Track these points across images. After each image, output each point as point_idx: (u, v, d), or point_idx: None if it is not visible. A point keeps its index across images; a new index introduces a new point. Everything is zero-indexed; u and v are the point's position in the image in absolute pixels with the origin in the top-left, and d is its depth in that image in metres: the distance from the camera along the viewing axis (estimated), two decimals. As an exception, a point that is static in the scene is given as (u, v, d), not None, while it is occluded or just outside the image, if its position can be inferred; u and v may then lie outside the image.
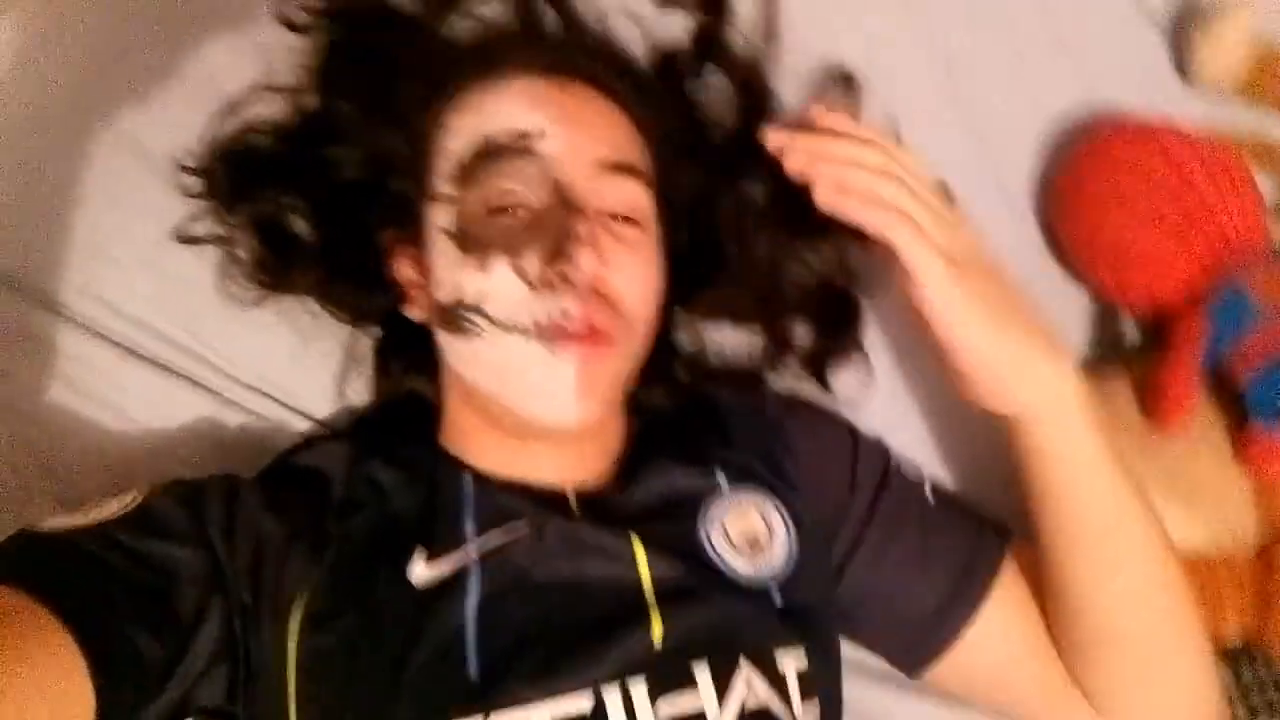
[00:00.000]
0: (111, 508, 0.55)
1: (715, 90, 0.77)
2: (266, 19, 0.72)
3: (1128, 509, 0.60)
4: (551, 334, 0.57)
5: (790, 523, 0.64)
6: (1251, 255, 0.72)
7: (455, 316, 0.60)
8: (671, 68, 0.76)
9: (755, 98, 0.77)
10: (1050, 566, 0.63)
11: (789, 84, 0.78)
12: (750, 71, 0.77)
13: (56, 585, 0.48)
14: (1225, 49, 0.81)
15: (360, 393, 0.74)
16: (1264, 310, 0.68)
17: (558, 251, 0.57)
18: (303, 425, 0.74)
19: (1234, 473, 0.71)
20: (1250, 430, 0.69)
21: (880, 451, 0.72)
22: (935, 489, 0.71)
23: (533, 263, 0.57)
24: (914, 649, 0.67)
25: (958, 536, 0.67)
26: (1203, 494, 0.71)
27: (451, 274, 0.60)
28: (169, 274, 0.71)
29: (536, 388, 0.58)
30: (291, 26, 0.72)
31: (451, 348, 0.62)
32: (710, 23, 0.77)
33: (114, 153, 0.70)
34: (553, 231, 0.57)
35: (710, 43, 0.77)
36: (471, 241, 0.59)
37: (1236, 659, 0.80)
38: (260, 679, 0.54)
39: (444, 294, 0.61)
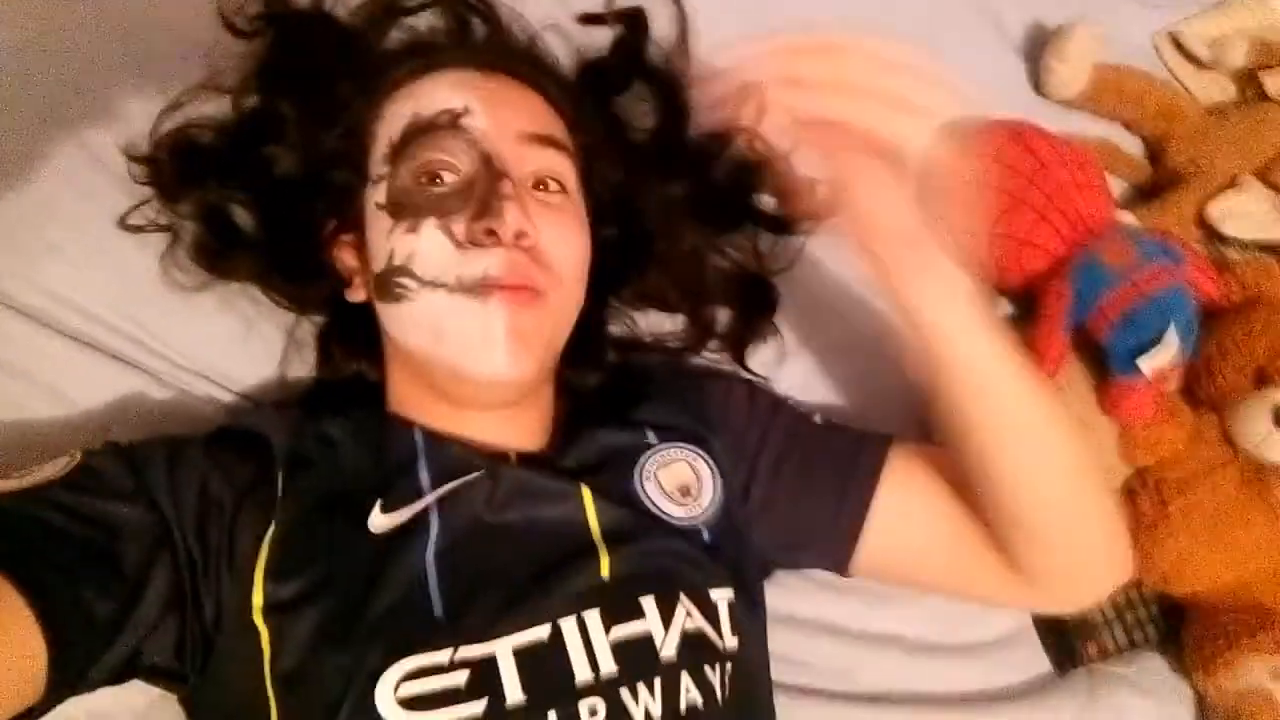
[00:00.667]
0: (48, 471, 0.55)
1: (637, 94, 0.84)
2: (211, 21, 0.75)
3: (1026, 391, 0.61)
4: (478, 286, 0.60)
5: (715, 470, 0.69)
6: (1102, 230, 0.82)
7: (387, 281, 0.62)
8: (596, 77, 0.83)
9: (673, 102, 0.84)
10: (968, 460, 0.64)
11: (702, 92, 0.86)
12: (667, 78, 0.84)
13: (3, 549, 0.48)
14: (1072, 66, 0.93)
15: (302, 379, 0.76)
16: (1115, 273, 0.78)
17: (484, 209, 0.60)
18: (244, 405, 0.75)
19: (1101, 419, 0.80)
20: (1110, 379, 0.78)
21: (773, 393, 0.79)
22: (827, 417, 0.76)
23: (459, 223, 0.61)
24: (829, 550, 0.71)
25: (845, 440, 0.72)
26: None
27: (384, 243, 0.63)
28: (112, 261, 0.72)
29: (469, 341, 0.60)
30: (235, 31, 0.75)
31: (388, 316, 0.65)
32: (629, 36, 0.84)
33: (57, 141, 0.72)
34: (479, 193, 0.61)
35: (631, 55, 0.84)
36: (402, 208, 0.62)
37: (1120, 606, 0.88)
38: (222, 633, 0.55)
39: (378, 262, 0.64)
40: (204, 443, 0.62)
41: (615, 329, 0.83)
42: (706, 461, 0.69)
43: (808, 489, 0.71)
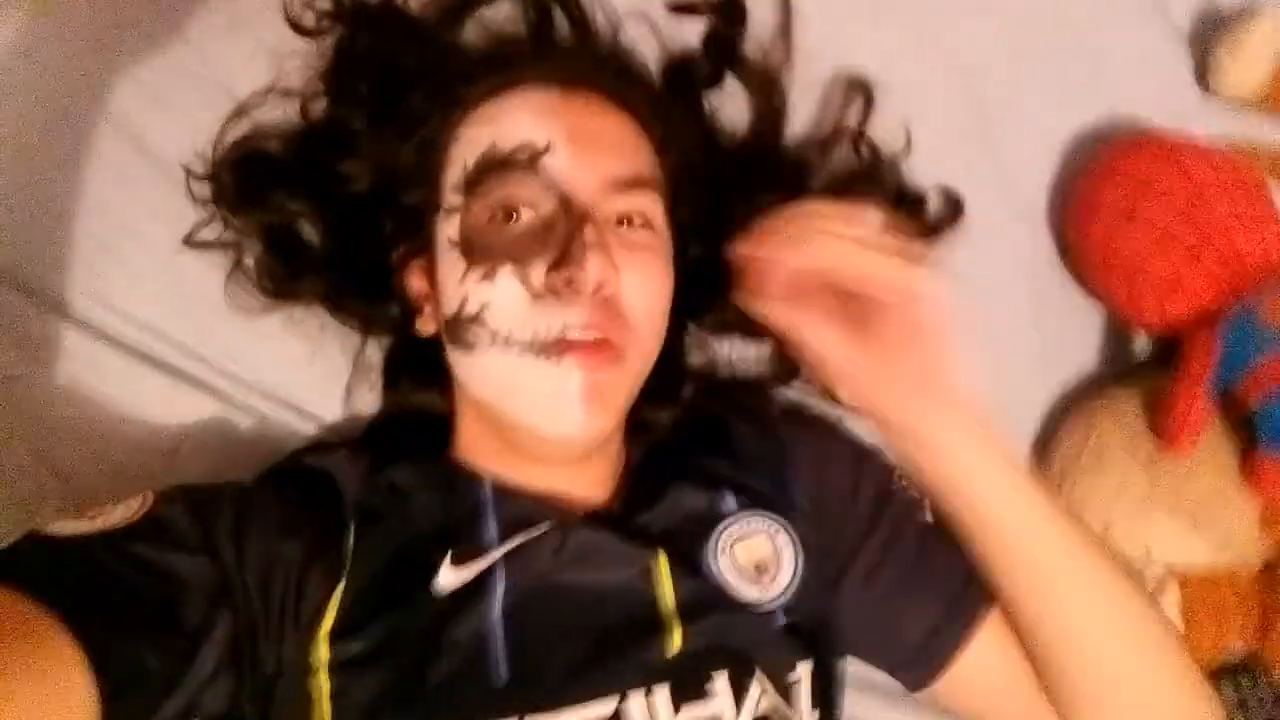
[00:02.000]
0: (119, 514, 0.54)
1: (730, 100, 0.76)
2: (279, 22, 0.71)
3: (1069, 550, 0.57)
4: (553, 347, 0.56)
5: (797, 546, 0.64)
6: (1265, 277, 0.71)
7: (458, 328, 0.59)
8: (686, 76, 0.76)
9: (771, 106, 0.76)
10: (1013, 623, 0.61)
11: (804, 94, 0.78)
12: (765, 80, 0.76)
13: (64, 592, 0.48)
14: (1248, 61, 0.80)
15: (369, 403, 0.74)
16: (1274, 333, 0.67)
17: (564, 257, 0.56)
18: (311, 430, 0.74)
19: (1240, 494, 0.71)
20: (1258, 454, 0.69)
21: (883, 467, 0.71)
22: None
23: (538, 271, 0.57)
24: (912, 667, 0.67)
25: (955, 558, 0.67)
26: (1208, 513, 0.71)
27: (457, 284, 0.59)
28: (179, 279, 0.71)
29: (542, 400, 0.57)
30: (302, 30, 0.71)
31: (458, 361, 0.62)
32: (725, 29, 0.76)
33: (125, 155, 0.70)
34: (559, 238, 0.57)
35: (725, 49, 0.76)
36: (476, 250, 0.58)
37: (1237, 675, 0.80)
38: (282, 687, 0.55)
39: (449, 305, 0.60)
40: (273, 488, 0.62)
41: (694, 358, 0.77)
42: (789, 535, 0.64)
43: (908, 604, 0.66)
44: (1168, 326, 0.74)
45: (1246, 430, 0.70)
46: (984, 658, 0.64)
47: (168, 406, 0.71)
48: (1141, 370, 0.78)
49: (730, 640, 0.58)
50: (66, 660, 0.46)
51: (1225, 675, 0.79)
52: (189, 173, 0.69)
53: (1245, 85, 0.81)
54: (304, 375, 0.73)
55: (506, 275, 0.57)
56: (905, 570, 0.66)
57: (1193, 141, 0.75)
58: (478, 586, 0.57)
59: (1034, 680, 0.64)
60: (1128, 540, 0.73)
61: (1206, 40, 0.83)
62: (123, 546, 0.52)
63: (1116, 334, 0.81)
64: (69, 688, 0.46)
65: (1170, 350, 0.75)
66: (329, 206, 0.70)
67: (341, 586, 0.57)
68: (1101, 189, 0.75)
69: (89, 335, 0.69)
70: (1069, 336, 0.81)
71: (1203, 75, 0.84)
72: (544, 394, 0.57)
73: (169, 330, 0.71)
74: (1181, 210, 0.71)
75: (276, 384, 0.73)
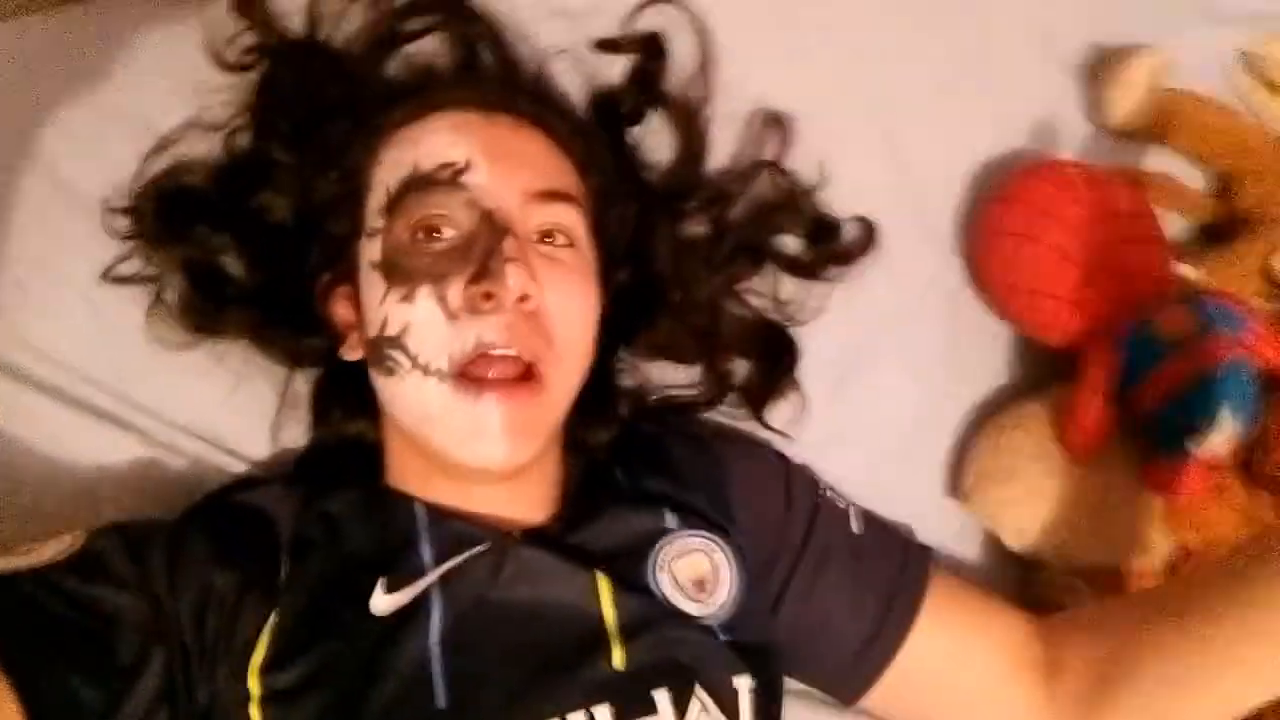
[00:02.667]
0: (50, 550, 0.54)
1: (653, 132, 0.79)
2: (199, 56, 0.71)
3: None
4: (469, 381, 0.56)
5: (734, 563, 0.65)
6: (1157, 292, 0.76)
7: (379, 351, 0.59)
8: (610, 109, 0.78)
9: (692, 139, 0.79)
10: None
11: (723, 127, 0.80)
12: (686, 114, 0.78)
13: None
14: (1130, 94, 0.84)
15: (297, 437, 0.73)
16: (1169, 344, 0.71)
17: (483, 271, 0.56)
18: (239, 468, 0.73)
19: (1142, 496, 0.74)
20: (1156, 458, 0.73)
21: (810, 483, 0.73)
22: (863, 515, 0.73)
23: (456, 288, 0.57)
24: (846, 680, 0.69)
25: (882, 568, 0.69)
26: (1113, 516, 0.74)
27: (378, 306, 0.59)
28: (97, 315, 0.70)
29: (461, 430, 0.58)
30: (225, 66, 0.71)
31: (382, 386, 0.62)
32: (647, 65, 0.78)
33: (43, 191, 0.69)
34: (479, 253, 0.57)
35: (647, 85, 0.78)
36: (397, 271, 0.59)
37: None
38: None
39: (371, 328, 0.60)
40: (205, 523, 0.61)
41: (626, 381, 0.78)
42: (726, 554, 0.65)
43: (840, 614, 0.68)
44: (1069, 343, 0.78)
45: (1146, 437, 0.74)
46: (913, 666, 0.67)
47: (85, 446, 0.69)
48: (1048, 384, 0.82)
49: (671, 656, 0.58)
50: None
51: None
52: (109, 208, 0.68)
53: (1131, 118, 0.86)
54: (229, 411, 0.72)
55: (425, 295, 0.57)
56: (838, 584, 0.68)
57: (1086, 169, 0.80)
58: (415, 611, 0.57)
59: (962, 683, 0.66)
60: (1038, 544, 0.76)
61: (1094, 76, 0.88)
62: (54, 582, 0.52)
63: (1024, 351, 0.85)
64: None
65: (1073, 366, 0.79)
66: (253, 239, 0.70)
67: (274, 618, 0.56)
68: (1003, 215, 0.79)
69: (5, 376, 0.68)
70: (980, 355, 0.85)
71: (1092, 110, 0.89)
72: (464, 429, 0.57)
73: (87, 367, 0.70)
74: (1076, 232, 0.75)
75: (200, 421, 0.72)
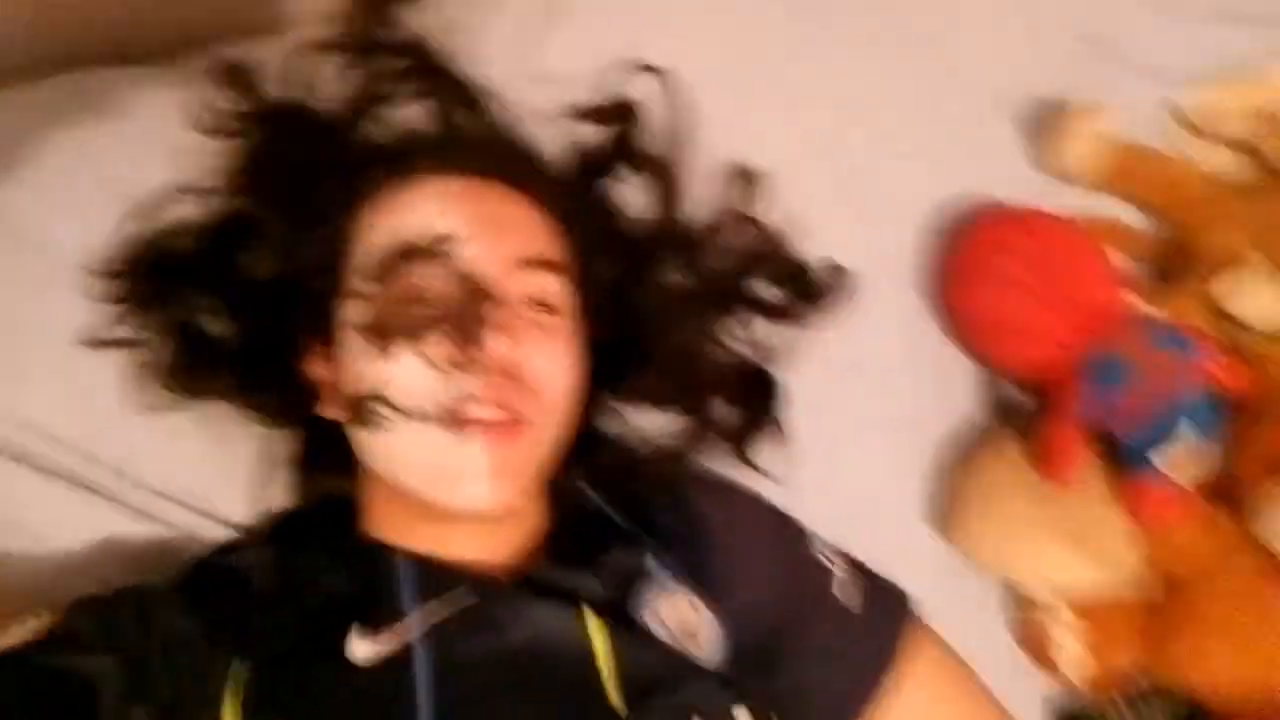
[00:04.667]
0: (17, 634, 0.53)
1: (631, 186, 0.81)
2: (180, 121, 0.72)
3: None
4: (456, 419, 0.57)
5: (715, 620, 0.65)
6: (1116, 321, 0.80)
7: (361, 408, 0.59)
8: (588, 167, 0.80)
9: (668, 194, 0.81)
10: None
11: (697, 182, 0.83)
12: (663, 169, 0.81)
13: None
14: (1075, 146, 0.90)
15: (277, 497, 0.72)
16: (1134, 370, 0.75)
17: (467, 336, 0.57)
18: (219, 532, 0.71)
19: (1118, 517, 0.77)
20: (1128, 479, 0.75)
21: (800, 532, 0.74)
22: (848, 571, 0.72)
23: (439, 348, 0.58)
24: None
25: (861, 627, 0.69)
26: (1092, 538, 0.77)
27: (358, 366, 0.60)
28: (70, 380, 0.68)
29: (448, 474, 0.58)
30: (207, 132, 0.72)
31: (364, 442, 0.62)
32: (626, 131, 0.81)
33: (18, 254, 0.68)
34: (464, 321, 0.58)
35: (622, 147, 0.81)
36: (381, 332, 0.59)
37: (1139, 697, 0.85)
38: None
39: (353, 386, 0.60)
40: (178, 586, 0.61)
41: (609, 427, 0.79)
42: (709, 610, 0.65)
43: (818, 672, 0.68)
44: (1033, 372, 0.81)
45: (1118, 460, 0.77)
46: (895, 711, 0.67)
47: (61, 515, 0.67)
48: (1017, 414, 0.85)
49: (667, 691, 0.58)
50: None
51: (1125, 700, 0.85)
52: (92, 272, 0.68)
53: (1072, 166, 0.92)
54: (209, 473, 0.71)
55: (409, 351, 0.58)
56: (812, 646, 0.69)
57: (1036, 209, 0.84)
58: (397, 659, 0.56)
59: None
60: (1022, 571, 0.78)
61: (1036, 126, 0.94)
62: (28, 659, 0.51)
63: (995, 385, 0.88)
64: None
65: (1040, 397, 0.82)
66: (236, 301, 0.70)
67: (239, 669, 0.55)
68: (960, 253, 0.83)
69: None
70: (951, 390, 0.88)
71: (1041, 160, 0.94)
72: (450, 469, 0.57)
73: (59, 432, 0.68)
74: (1031, 264, 0.79)
75: (179, 483, 0.70)
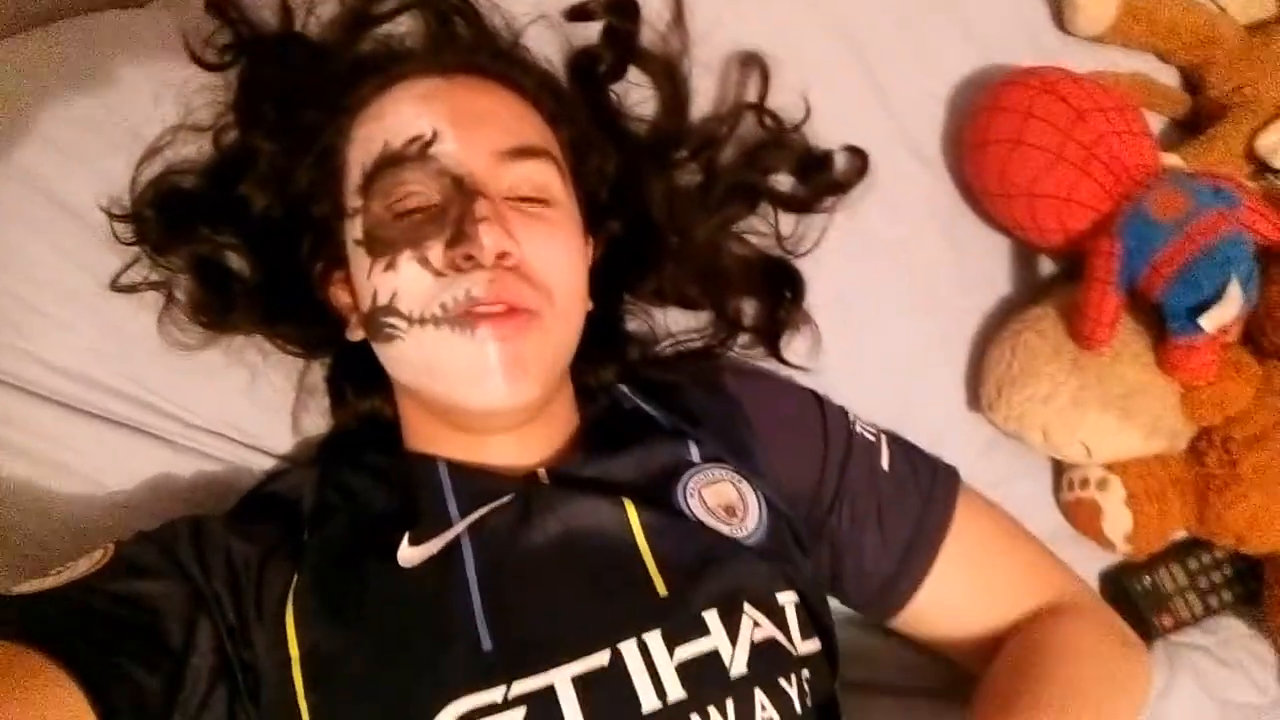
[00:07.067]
0: (84, 565, 0.55)
1: (637, 86, 0.79)
2: (179, 59, 0.71)
3: None
4: (463, 317, 0.57)
5: (761, 499, 0.65)
6: (1148, 179, 0.77)
7: (374, 321, 0.60)
8: (589, 68, 0.78)
9: (674, 90, 0.79)
10: None
11: (701, 75, 0.81)
12: (666, 67, 0.79)
13: (49, 633, 0.49)
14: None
15: (318, 424, 0.73)
16: (1168, 226, 0.72)
17: (459, 235, 0.57)
18: (264, 462, 0.73)
19: (1160, 381, 0.75)
20: (1169, 339, 0.74)
21: (841, 411, 0.73)
22: (891, 445, 0.72)
23: (436, 251, 0.57)
24: (877, 604, 0.70)
25: (911, 503, 0.70)
26: (1135, 403, 0.75)
27: (366, 281, 0.60)
28: (107, 324, 0.69)
29: (463, 375, 0.58)
30: (205, 65, 0.71)
31: (383, 355, 0.62)
32: (621, 26, 0.79)
33: (37, 208, 0.69)
34: (453, 218, 0.57)
35: (624, 45, 0.79)
36: (378, 243, 0.59)
37: (1184, 550, 0.85)
38: (264, 689, 0.55)
39: (363, 303, 0.61)
40: (232, 514, 0.63)
41: (638, 328, 0.79)
42: (754, 488, 0.65)
43: (871, 545, 0.69)
44: (1070, 241, 0.79)
45: (1157, 320, 0.75)
46: (938, 594, 0.68)
47: (110, 456, 0.69)
48: (1052, 288, 0.82)
49: (712, 576, 0.58)
50: (63, 696, 0.47)
51: (1173, 557, 0.84)
52: (111, 216, 0.68)
53: (1098, 22, 0.88)
54: (249, 405, 0.72)
55: (408, 260, 0.58)
56: (868, 519, 0.69)
57: (1064, 72, 0.81)
58: (446, 559, 0.57)
59: (990, 602, 0.69)
60: (1066, 442, 0.77)
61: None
62: (96, 587, 0.53)
63: (1026, 259, 0.86)
64: (68, 716, 0.47)
65: (1076, 267, 0.80)
66: (251, 233, 0.70)
67: (296, 580, 0.57)
68: (989, 125, 0.80)
69: (19, 394, 0.67)
70: (983, 268, 0.86)
71: (1060, 19, 0.90)
72: (465, 369, 0.58)
73: (101, 377, 0.69)
74: (1064, 131, 0.76)
75: (223, 418, 0.72)
